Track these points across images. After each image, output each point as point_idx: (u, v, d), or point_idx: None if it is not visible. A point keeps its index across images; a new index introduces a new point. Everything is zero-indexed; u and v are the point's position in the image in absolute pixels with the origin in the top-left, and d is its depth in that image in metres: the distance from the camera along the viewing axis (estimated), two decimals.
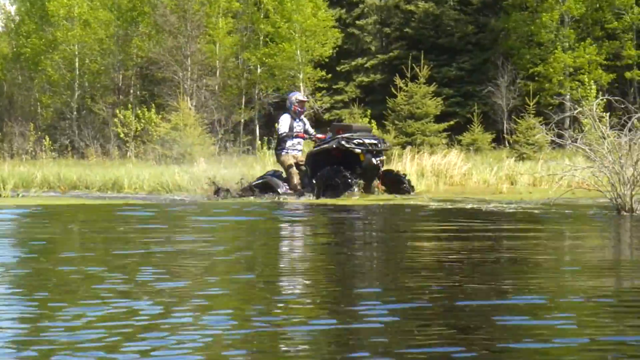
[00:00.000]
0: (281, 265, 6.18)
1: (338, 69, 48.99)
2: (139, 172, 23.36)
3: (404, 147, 28.41)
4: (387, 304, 4.15)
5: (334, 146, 15.60)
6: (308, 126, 16.78)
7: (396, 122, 31.66)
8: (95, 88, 48.93)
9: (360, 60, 49.93)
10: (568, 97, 39.84)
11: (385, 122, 32.46)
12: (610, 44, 42.79)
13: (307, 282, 5.10)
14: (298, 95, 17.03)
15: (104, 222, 11.06)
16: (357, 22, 51.33)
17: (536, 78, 42.24)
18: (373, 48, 50.88)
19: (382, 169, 16.17)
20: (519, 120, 30.20)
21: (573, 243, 8.15)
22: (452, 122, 35.92)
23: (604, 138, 12.13)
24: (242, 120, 46.11)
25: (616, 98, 13.86)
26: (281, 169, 16.80)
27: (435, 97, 32.55)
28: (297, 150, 16.56)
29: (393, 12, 50.61)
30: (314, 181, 15.57)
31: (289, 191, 16.02)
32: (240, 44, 46.58)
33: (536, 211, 11.95)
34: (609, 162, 11.76)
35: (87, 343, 3.35)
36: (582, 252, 7.20)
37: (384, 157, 16.40)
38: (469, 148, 32.50)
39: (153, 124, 38.05)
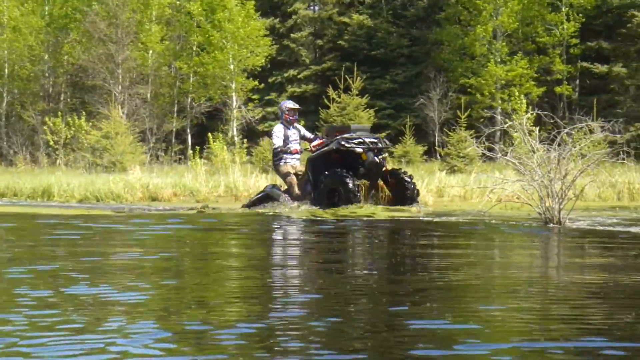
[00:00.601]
0: (200, 274, 6.09)
1: (270, 80, 48.94)
2: (69, 180, 23.04)
3: None
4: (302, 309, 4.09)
5: (334, 147, 15.12)
6: (304, 132, 16.36)
7: None
8: (25, 95, 48.20)
9: (292, 72, 49.93)
10: (499, 110, 40.24)
11: (318, 134, 32.39)
12: (541, 59, 43.36)
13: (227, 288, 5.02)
14: (288, 104, 16.60)
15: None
16: (291, 34, 51.35)
17: (468, 90, 42.61)
18: (306, 59, 50.93)
19: (385, 167, 15.66)
20: (450, 133, 30.38)
21: (496, 257, 8.17)
22: (384, 134, 36.04)
23: (534, 152, 12.24)
24: (174, 129, 45.77)
25: (546, 112, 13.99)
26: (280, 182, 16.40)
27: (367, 109, 32.63)
28: (296, 160, 16.13)
29: (327, 23, 50.72)
30: (317, 187, 15.08)
31: (289, 201, 15.53)
32: (173, 52, 46.28)
33: (465, 224, 11.99)
34: (538, 176, 11.86)
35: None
36: (498, 268, 7.21)
37: (386, 155, 15.92)
38: (401, 160, 32.63)
39: (83, 131, 37.55)
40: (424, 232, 10.83)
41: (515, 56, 42.77)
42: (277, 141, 15.97)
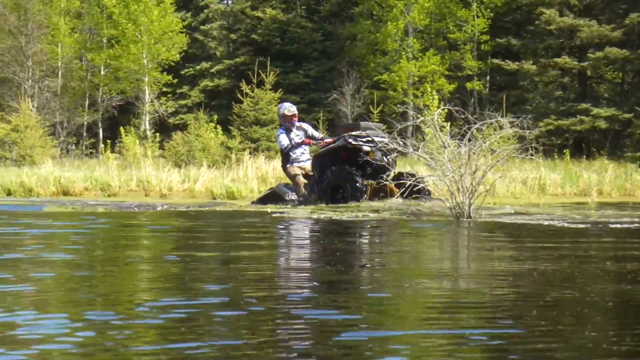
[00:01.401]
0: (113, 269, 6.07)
1: (183, 72, 48.66)
2: None
3: (251, 153, 28.43)
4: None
5: (340, 144, 14.42)
6: (312, 131, 15.43)
7: (242, 127, 31.65)
8: None
9: (205, 65, 49.72)
10: (411, 106, 40.63)
11: (231, 128, 32.41)
12: (452, 55, 43.90)
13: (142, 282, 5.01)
14: (284, 110, 15.47)
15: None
16: (202, 26, 51.12)
17: (381, 86, 42.92)
18: (218, 53, 50.75)
19: (394, 168, 14.69)
20: None
21: (401, 249, 8.27)
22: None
23: (445, 147, 12.39)
24: (85, 123, 45.22)
25: (457, 108, 14.19)
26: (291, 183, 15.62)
27: None
28: (303, 162, 15.27)
29: (240, 17, 50.59)
30: (322, 182, 14.48)
31: (296, 199, 14.91)
32: (84, 45, 45.69)
33: (375, 219, 12.10)
34: (449, 171, 12.03)
35: None
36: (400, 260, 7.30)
37: (396, 155, 14.92)
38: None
39: None
40: (336, 228, 10.89)
41: (427, 52, 43.22)
42: (284, 140, 15.16)
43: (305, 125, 15.57)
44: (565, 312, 4.29)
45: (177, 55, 44.40)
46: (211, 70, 49.48)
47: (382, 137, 14.56)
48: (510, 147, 14.97)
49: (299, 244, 8.68)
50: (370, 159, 14.31)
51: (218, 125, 33.72)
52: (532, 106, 39.61)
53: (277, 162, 23.22)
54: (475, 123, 12.84)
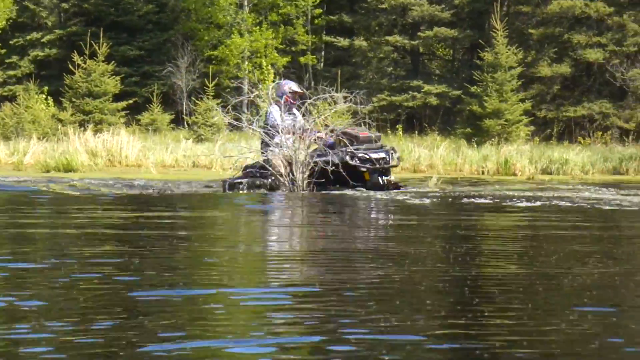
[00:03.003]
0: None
1: (12, 42, 47.11)
2: None
3: (81, 125, 27.89)
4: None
5: (336, 162, 12.87)
6: (300, 120, 13.50)
7: (74, 99, 31.09)
8: None
9: (36, 35, 48.27)
10: (246, 80, 40.58)
11: (63, 99, 31.70)
12: (286, 29, 44.00)
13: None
14: (292, 85, 13.83)
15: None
16: None
17: (215, 60, 42.68)
18: (50, 23, 49.36)
19: (391, 187, 13.51)
20: (198, 102, 30.44)
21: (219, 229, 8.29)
22: (130, 101, 35.58)
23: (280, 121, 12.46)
24: None
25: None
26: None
27: (114, 76, 32.23)
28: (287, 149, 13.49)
29: None
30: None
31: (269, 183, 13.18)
32: None
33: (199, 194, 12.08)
34: (284, 145, 12.10)
35: None
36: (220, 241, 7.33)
37: (392, 177, 13.76)
38: (148, 128, 32.39)
39: None
40: (158, 203, 10.81)
41: (260, 26, 43.20)
42: (277, 118, 13.20)
43: (297, 113, 13.72)
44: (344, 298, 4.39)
45: (3, 22, 42.92)
46: (42, 40, 48.03)
47: (380, 153, 13.42)
48: (344, 122, 15.17)
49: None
50: (365, 180, 13.27)
51: (49, 97, 32.87)
52: (365, 82, 40.19)
53: (107, 136, 22.85)
54: (309, 98, 12.95)
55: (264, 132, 13.16)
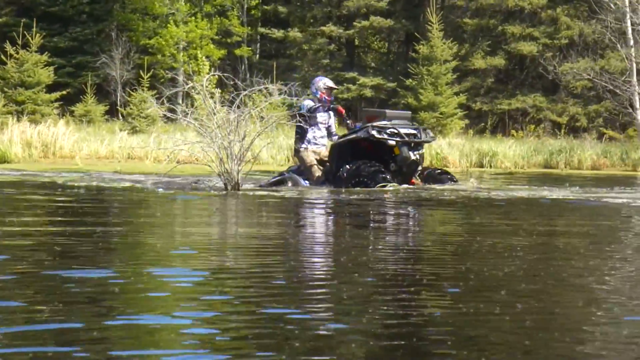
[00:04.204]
0: None
1: None
2: None
3: (14, 116, 27.57)
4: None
5: (362, 136, 12.66)
6: (332, 122, 13.56)
7: (6, 89, 30.77)
8: None
9: None
10: (181, 71, 40.32)
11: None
12: (222, 21, 43.79)
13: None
14: (326, 81, 13.60)
15: None
16: None
17: (150, 51, 42.34)
18: None
19: (422, 165, 13.21)
20: (132, 93, 30.22)
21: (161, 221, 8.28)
22: (64, 92, 35.17)
23: (214, 114, 12.43)
24: None
25: (226, 75, 14.23)
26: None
27: (47, 67, 31.92)
28: (321, 145, 13.33)
29: None
30: (341, 175, 12.58)
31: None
32: None
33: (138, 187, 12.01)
34: (218, 138, 12.08)
35: None
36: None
37: (424, 151, 13.32)
38: (82, 119, 32.08)
39: None
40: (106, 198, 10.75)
41: (195, 17, 42.96)
42: (309, 102, 13.18)
43: (331, 114, 13.62)
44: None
45: None
46: None
47: (410, 129, 12.96)
48: (279, 114, 15.17)
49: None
50: (394, 154, 12.73)
51: None
52: (300, 74, 40.18)
53: (42, 127, 22.57)
54: (245, 90, 12.93)
55: (298, 125, 12.89)
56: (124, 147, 21.84)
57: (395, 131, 12.57)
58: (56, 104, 32.56)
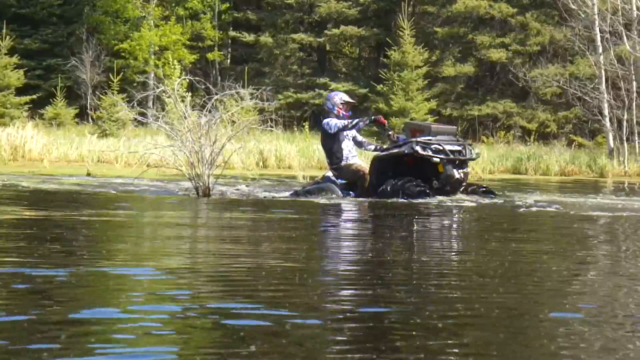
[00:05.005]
0: None
1: None
2: None
3: None
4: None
5: (406, 152, 12.16)
6: (356, 133, 12.92)
7: None
8: None
9: None
10: (152, 75, 40.22)
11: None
12: (194, 25, 43.72)
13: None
14: (343, 96, 13.08)
15: None
16: None
17: (121, 54, 42.21)
18: None
19: (465, 183, 12.66)
20: (103, 96, 30.13)
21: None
22: (34, 96, 35.03)
23: (185, 118, 12.43)
24: None
25: (198, 79, 14.25)
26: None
27: (17, 69, 31.77)
28: (357, 156, 13.01)
29: None
30: (384, 190, 12.07)
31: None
32: None
33: (110, 192, 11.98)
34: (189, 142, 12.07)
35: None
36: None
37: (469, 170, 12.83)
38: (52, 122, 31.95)
39: None
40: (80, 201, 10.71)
41: (168, 21, 42.88)
42: (338, 122, 12.43)
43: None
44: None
45: None
46: None
47: (455, 145, 12.43)
48: (250, 118, 15.17)
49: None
50: (438, 172, 12.22)
51: None
52: (271, 79, 40.18)
53: (11, 130, 22.46)
54: (216, 94, 12.94)
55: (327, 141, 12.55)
56: (94, 150, 21.76)
57: (440, 147, 12.08)
58: (26, 107, 32.41)
